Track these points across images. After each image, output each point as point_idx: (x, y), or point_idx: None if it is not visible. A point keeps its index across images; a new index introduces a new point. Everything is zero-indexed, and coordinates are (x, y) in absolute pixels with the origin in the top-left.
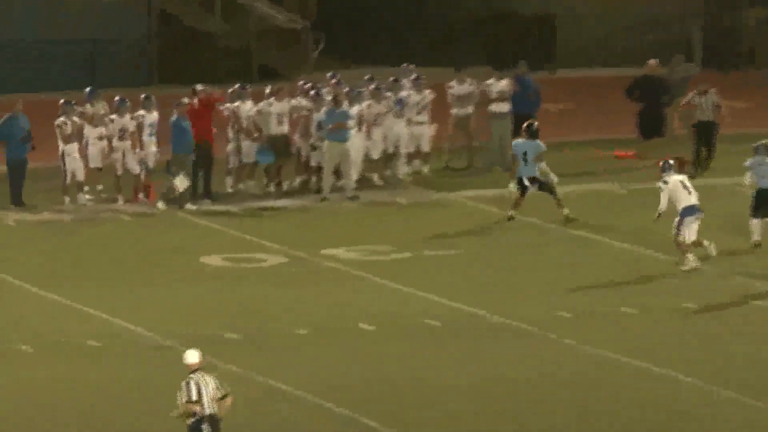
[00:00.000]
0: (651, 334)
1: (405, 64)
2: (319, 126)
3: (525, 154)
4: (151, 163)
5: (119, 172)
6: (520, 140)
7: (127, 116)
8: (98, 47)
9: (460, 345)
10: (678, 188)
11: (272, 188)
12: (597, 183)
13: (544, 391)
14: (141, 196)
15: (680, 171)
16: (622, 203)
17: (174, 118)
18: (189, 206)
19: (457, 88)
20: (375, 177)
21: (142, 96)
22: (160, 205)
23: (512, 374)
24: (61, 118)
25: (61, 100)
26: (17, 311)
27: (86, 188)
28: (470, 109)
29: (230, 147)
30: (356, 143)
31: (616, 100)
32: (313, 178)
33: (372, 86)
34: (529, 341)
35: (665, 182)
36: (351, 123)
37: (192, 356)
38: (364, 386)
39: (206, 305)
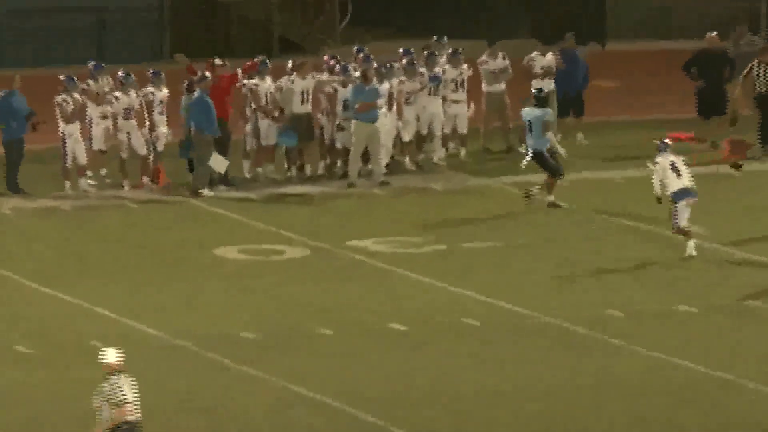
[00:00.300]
0: (712, 335)
1: (435, 37)
2: (346, 105)
3: (530, 124)
4: (160, 145)
5: (125, 155)
6: (527, 108)
7: (133, 93)
8: (104, 17)
9: (500, 347)
10: (666, 170)
11: (294, 173)
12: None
13: (593, 398)
14: (145, 179)
15: (742, 155)
16: None
17: (197, 94)
18: (205, 192)
19: (491, 63)
20: (407, 161)
21: (150, 71)
22: (206, 192)
23: (558, 379)
24: (62, 96)
25: (62, 76)
26: (14, 309)
27: (89, 173)
28: (503, 86)
29: (248, 128)
30: (386, 124)
31: (673, 77)
32: (339, 162)
33: (404, 61)
34: (577, 343)
35: (655, 163)
36: (381, 101)
37: (111, 355)
38: (393, 392)
39: (220, 302)
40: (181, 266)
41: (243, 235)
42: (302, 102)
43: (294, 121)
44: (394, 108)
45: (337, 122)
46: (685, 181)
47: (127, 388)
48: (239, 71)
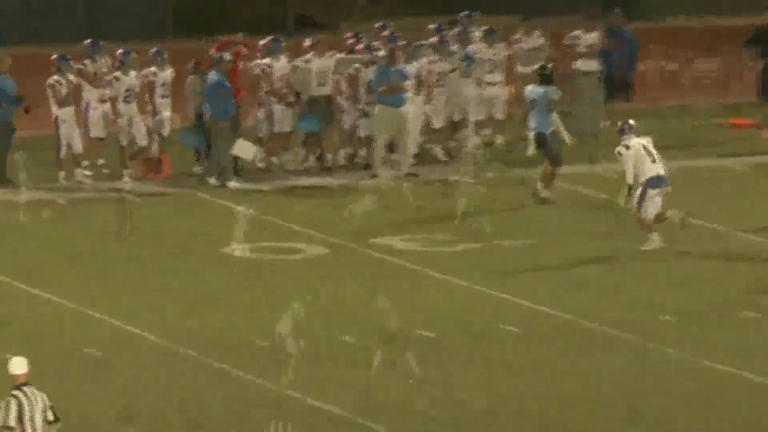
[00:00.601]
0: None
1: (466, 12)
2: (370, 87)
3: (533, 102)
4: (165, 131)
5: (125, 142)
6: (530, 86)
7: (133, 73)
8: None
9: (541, 355)
10: (640, 154)
11: (312, 163)
12: (708, 158)
13: (636, 406)
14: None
15: None
16: (740, 183)
17: (215, 77)
18: (212, 181)
19: (526, 41)
20: (437, 150)
21: (152, 50)
22: (232, 185)
23: (606, 392)
24: (55, 77)
25: (54, 55)
26: (1, 312)
27: (85, 162)
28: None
29: (260, 113)
30: (414, 109)
31: (732, 56)
32: (362, 151)
33: (435, 38)
34: (626, 351)
35: (626, 147)
36: (408, 84)
37: (18, 365)
38: (426, 407)
39: (231, 305)
40: (187, 266)
41: (255, 232)
42: (319, 84)
43: (311, 106)
44: (423, 91)
45: (359, 107)
46: (660, 166)
47: (16, 410)
48: (242, 47)
